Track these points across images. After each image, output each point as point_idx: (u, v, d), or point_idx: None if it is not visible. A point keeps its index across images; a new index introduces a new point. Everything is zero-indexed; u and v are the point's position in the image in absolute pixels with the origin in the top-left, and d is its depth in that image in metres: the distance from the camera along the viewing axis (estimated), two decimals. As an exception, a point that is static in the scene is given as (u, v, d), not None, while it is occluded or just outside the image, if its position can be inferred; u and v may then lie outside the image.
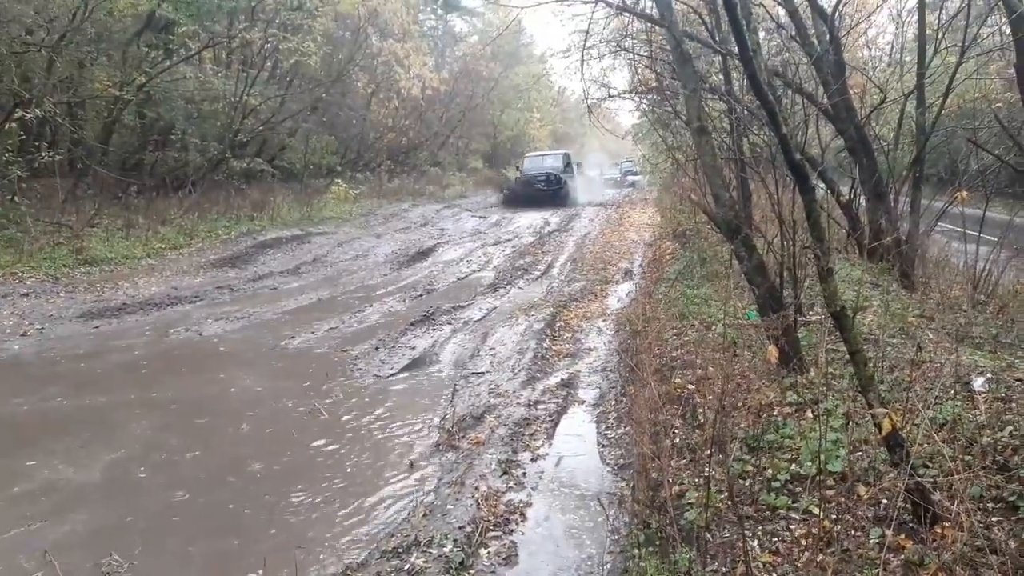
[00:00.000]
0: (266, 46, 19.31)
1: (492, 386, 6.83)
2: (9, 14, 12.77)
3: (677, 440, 4.78)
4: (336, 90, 23.19)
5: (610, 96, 11.29)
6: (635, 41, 9.40)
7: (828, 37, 8.93)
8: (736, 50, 3.78)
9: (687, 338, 7.04)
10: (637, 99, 13.00)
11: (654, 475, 3.99)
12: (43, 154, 12.60)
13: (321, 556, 3.95)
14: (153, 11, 15.72)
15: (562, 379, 6.96)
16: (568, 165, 29.08)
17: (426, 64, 29.11)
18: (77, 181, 15.06)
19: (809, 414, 4.59)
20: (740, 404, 5.00)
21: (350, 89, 24.64)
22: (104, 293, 10.13)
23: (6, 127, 12.68)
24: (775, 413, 4.85)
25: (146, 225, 14.18)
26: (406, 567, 3.73)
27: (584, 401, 6.42)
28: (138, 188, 16.28)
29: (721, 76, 9.46)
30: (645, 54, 8.64)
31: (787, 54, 9.30)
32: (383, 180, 27.89)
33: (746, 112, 7.81)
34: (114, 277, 11.12)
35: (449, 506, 4.43)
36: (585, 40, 5.63)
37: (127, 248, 12.77)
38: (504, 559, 3.87)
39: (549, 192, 26.21)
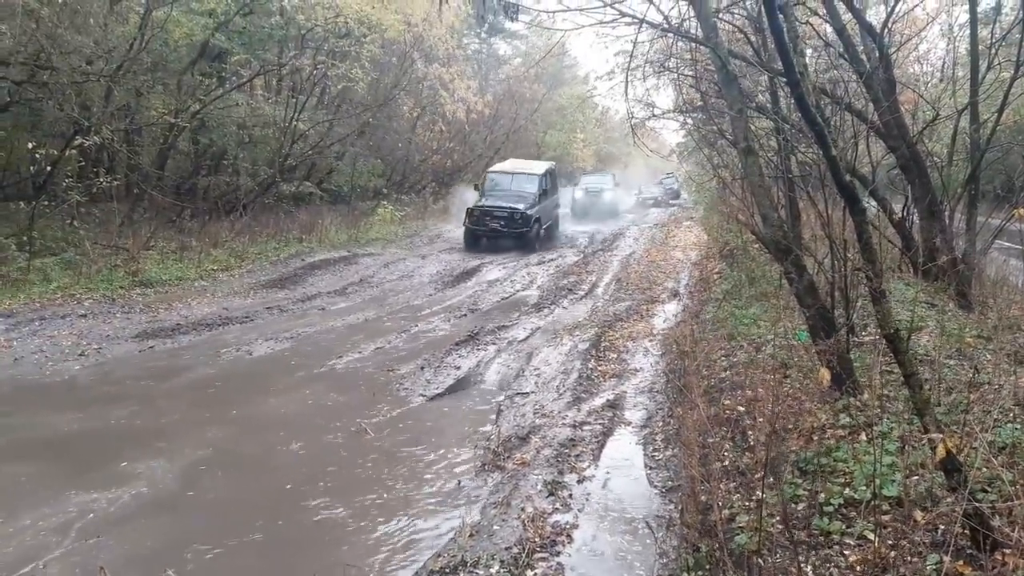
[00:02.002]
0: (315, 72, 19.80)
1: (537, 406, 6.83)
2: (70, 45, 13.33)
3: (727, 463, 4.71)
4: (382, 114, 23.61)
5: (654, 116, 11.30)
6: (680, 61, 9.40)
7: (877, 54, 8.81)
8: (783, 70, 3.77)
9: (736, 359, 6.96)
10: (682, 118, 13.00)
11: (703, 498, 3.94)
12: (101, 180, 13.06)
13: (370, 574, 3.98)
14: (207, 41, 16.26)
15: (608, 400, 6.93)
16: (546, 191, 20.49)
17: (470, 87, 29.43)
18: (133, 205, 15.58)
19: (863, 437, 4.50)
20: (791, 427, 4.92)
21: (396, 113, 25.07)
22: (159, 314, 10.41)
23: (66, 154, 13.19)
24: (827, 436, 4.75)
25: (199, 248, 14.57)
26: (453, 587, 3.74)
27: (631, 423, 6.37)
28: (192, 212, 16.77)
29: (768, 95, 9.39)
30: (690, 74, 8.63)
31: (836, 72, 9.18)
32: (428, 201, 28.20)
33: (794, 130, 7.74)
34: (168, 298, 11.43)
35: (495, 527, 4.43)
36: (629, 62, 5.67)
37: (181, 270, 13.12)
38: (551, 581, 3.85)
39: (510, 234, 18.50)
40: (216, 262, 14.15)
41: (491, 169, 21.85)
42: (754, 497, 3.53)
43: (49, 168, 13.38)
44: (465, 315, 10.99)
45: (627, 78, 5.58)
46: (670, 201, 35.30)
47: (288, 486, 5.15)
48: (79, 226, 13.01)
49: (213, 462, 5.56)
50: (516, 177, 20.23)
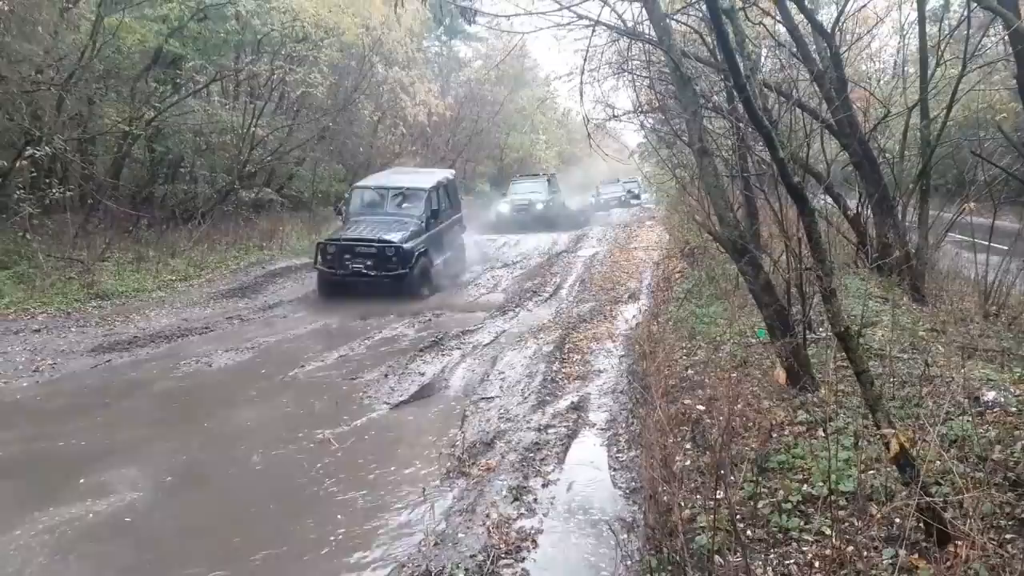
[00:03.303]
0: (273, 78, 19.53)
1: (502, 411, 6.83)
2: (19, 54, 13.00)
3: (688, 463, 4.75)
4: (343, 118, 23.39)
5: (614, 117, 11.34)
6: (637, 63, 9.46)
7: (829, 53, 8.97)
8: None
9: (696, 358, 7.03)
10: (640, 119, 13.07)
11: (665, 499, 3.97)
12: (54, 191, 12.75)
13: (333, 589, 3.94)
14: (160, 47, 15.97)
15: (572, 402, 6.95)
16: (436, 212, 14.44)
17: (431, 90, 29.33)
18: (88, 216, 15.20)
19: (820, 433, 4.57)
20: (751, 424, 4.98)
21: (356, 117, 24.85)
22: (115, 327, 10.20)
23: (17, 165, 12.85)
24: (786, 433, 4.82)
25: (156, 258, 14.28)
26: (417, 598, 3.72)
27: (595, 424, 6.40)
28: (148, 221, 16.42)
29: (724, 95, 9.50)
30: (646, 75, 8.69)
31: (789, 71, 9.32)
32: (391, 206, 28.03)
33: (750, 130, 7.83)
34: (125, 310, 11.19)
35: (460, 534, 4.42)
36: (584, 64, 5.67)
37: (138, 281, 12.86)
38: (516, 587, 3.85)
39: (379, 279, 12.58)
40: (174, 272, 13.90)
41: (358, 184, 15.95)
42: (713, 497, 3.56)
43: (-1, 180, 13.03)
44: (429, 319, 10.95)
45: (581, 81, 5.59)
46: (631, 202, 34.99)
47: (248, 501, 5.08)
48: (32, 238, 12.64)
49: (171, 481, 5.45)
50: (392, 195, 14.22)
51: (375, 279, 12.50)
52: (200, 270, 14.45)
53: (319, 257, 12.80)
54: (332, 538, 4.54)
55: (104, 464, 5.66)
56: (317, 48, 19.38)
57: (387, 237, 12.54)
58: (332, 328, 10.57)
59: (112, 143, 16.46)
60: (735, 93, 4.74)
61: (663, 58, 7.38)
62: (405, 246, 12.53)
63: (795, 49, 9.18)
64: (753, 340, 6.96)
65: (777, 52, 9.63)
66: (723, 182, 6.82)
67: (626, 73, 9.67)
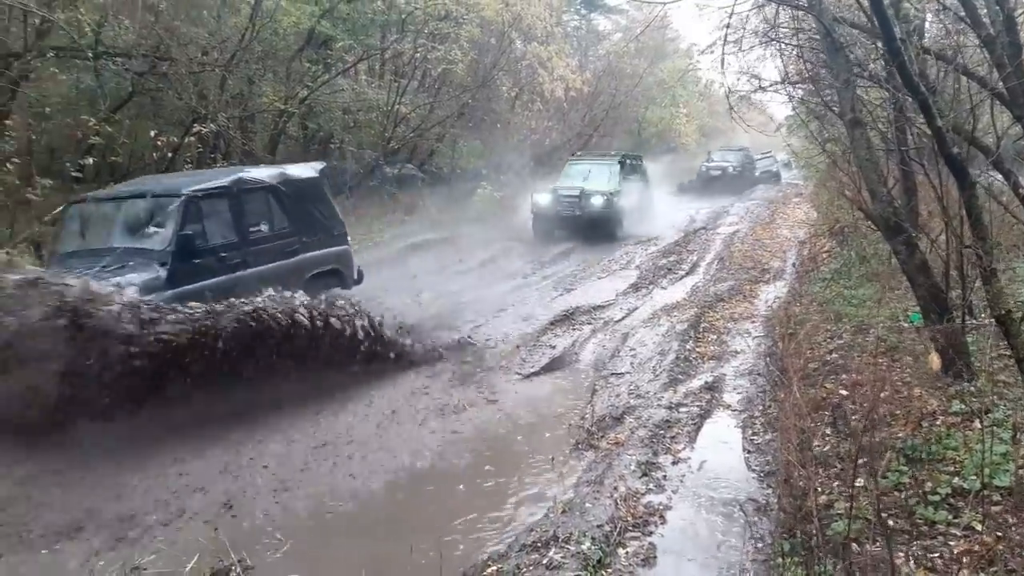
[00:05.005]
0: (416, 56, 20.17)
1: (632, 387, 6.82)
2: (187, 37, 14.18)
3: (827, 448, 4.58)
4: (482, 95, 23.80)
5: (760, 89, 10.85)
6: (785, 30, 9.00)
7: (1001, 16, 8.16)
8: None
9: (841, 342, 6.71)
10: (788, 91, 12.43)
11: (800, 484, 3.85)
12: (218, 165, 13.83)
13: (462, 547, 4.13)
14: (313, 28, 16.86)
15: (706, 382, 6.82)
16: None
17: (568, 65, 29.19)
18: (248, 190, 16.40)
19: (976, 425, 4.27)
20: (898, 412, 4.72)
21: (495, 94, 25.19)
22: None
23: (186, 141, 14.05)
24: (938, 423, 4.54)
25: (308, 230, 15.21)
26: (544, 561, 3.82)
27: (729, 405, 6.26)
28: (301, 195, 17.48)
29: (881, 62, 8.87)
30: (795, 44, 8.25)
31: (956, 37, 8.56)
32: (527, 181, 28.30)
33: (908, 100, 7.29)
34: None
35: (588, 504, 4.47)
36: (724, 35, 5.46)
37: (291, 251, 13.74)
38: (643, 560, 3.88)
39: None
40: (324, 244, 14.72)
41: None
42: (855, 484, 3.42)
43: (170, 155, 14.26)
44: (561, 295, 11.03)
45: (723, 52, 5.40)
46: (769, 179, 32.83)
47: (385, 464, 5.36)
48: (197, 211, 13.80)
49: (301, 450, 5.78)
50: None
51: None
52: (347, 242, 15.23)
53: None
54: (463, 497, 4.73)
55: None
56: (458, 25, 19.80)
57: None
58: (467, 301, 10.84)
59: (269, 121, 17.62)
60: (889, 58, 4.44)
61: (814, 25, 7.01)
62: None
63: (962, 13, 8.41)
64: (905, 324, 6.55)
65: (941, 16, 8.86)
66: (876, 156, 6.40)
67: (773, 43, 9.26)
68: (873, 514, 3.28)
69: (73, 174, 11.98)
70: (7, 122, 12.32)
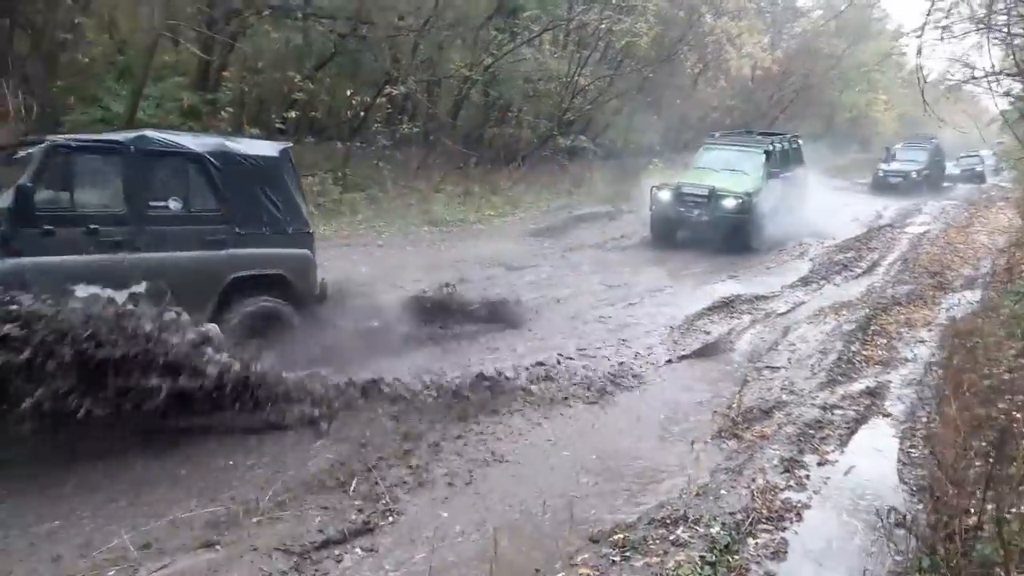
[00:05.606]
0: (600, 27, 20.10)
1: (786, 382, 6.62)
2: (386, 2, 15.02)
3: (988, 469, 4.27)
4: (664, 70, 23.34)
5: (973, 79, 9.92)
6: (1010, 16, 8.16)
7: None
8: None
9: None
10: (1008, 82, 11.23)
11: (952, 502, 3.65)
12: (404, 126, 14.66)
13: (593, 511, 4.27)
14: (504, -4, 17.30)
15: (867, 387, 6.50)
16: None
17: (759, 42, 27.88)
18: (429, 151, 17.24)
19: None
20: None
21: (678, 69, 24.59)
22: (441, 251, 11.59)
23: (377, 101, 14.98)
24: None
25: (480, 194, 15.82)
26: (671, 537, 3.89)
27: (890, 414, 5.94)
28: (477, 160, 18.16)
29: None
30: (1015, 32, 7.48)
31: None
32: (702, 160, 27.55)
33: None
34: (450, 238, 12.64)
35: (723, 491, 4.47)
36: (928, 14, 5.03)
37: (463, 213, 14.40)
38: (772, 553, 3.85)
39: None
40: (493, 208, 15.28)
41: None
42: (1011, 510, 3.21)
43: (363, 113, 15.27)
44: (724, 280, 10.79)
45: (922, 32, 5.00)
46: (972, 179, 29.41)
47: (525, 434, 5.61)
48: (383, 167, 14.75)
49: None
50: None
51: None
52: (515, 208, 15.70)
53: None
54: (601, 466, 4.86)
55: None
56: (647, -3, 19.51)
57: None
58: (624, 283, 10.85)
59: (454, 86, 18.34)
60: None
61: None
62: None
63: None
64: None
65: None
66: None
67: (993, 29, 8.43)
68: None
69: (277, 126, 13.21)
70: (224, 73, 13.77)
